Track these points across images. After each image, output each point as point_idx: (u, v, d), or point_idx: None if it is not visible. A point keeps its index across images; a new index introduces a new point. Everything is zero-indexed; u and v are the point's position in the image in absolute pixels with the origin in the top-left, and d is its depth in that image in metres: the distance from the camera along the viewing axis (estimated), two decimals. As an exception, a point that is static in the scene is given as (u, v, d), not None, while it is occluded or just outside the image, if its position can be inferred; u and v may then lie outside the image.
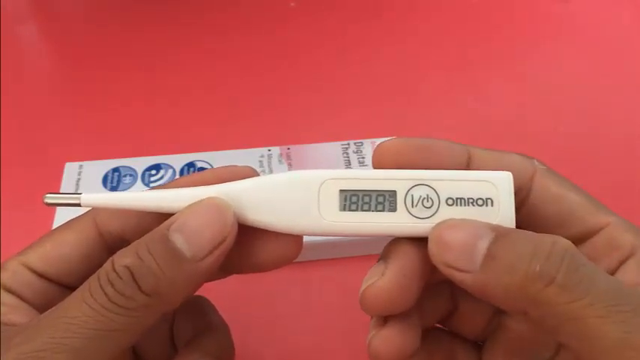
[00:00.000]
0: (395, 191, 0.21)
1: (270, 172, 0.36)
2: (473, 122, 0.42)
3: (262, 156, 0.37)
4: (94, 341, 0.18)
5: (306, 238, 0.33)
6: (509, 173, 0.21)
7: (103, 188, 0.35)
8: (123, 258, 0.19)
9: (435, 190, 0.21)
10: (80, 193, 0.21)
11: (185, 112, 0.43)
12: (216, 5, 0.52)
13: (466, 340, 0.25)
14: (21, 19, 0.52)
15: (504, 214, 0.20)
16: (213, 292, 0.33)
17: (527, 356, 0.24)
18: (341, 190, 0.21)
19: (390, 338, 0.21)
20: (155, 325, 0.20)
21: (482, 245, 0.19)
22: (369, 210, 0.21)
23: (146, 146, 0.39)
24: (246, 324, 0.31)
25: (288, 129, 0.42)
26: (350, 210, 0.21)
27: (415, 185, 0.21)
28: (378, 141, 0.38)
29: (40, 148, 0.41)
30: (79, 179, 0.36)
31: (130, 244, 0.20)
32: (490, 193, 0.21)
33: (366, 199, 0.21)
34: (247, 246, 0.21)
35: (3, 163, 0.39)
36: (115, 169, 0.36)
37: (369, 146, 0.37)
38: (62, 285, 0.22)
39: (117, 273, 0.19)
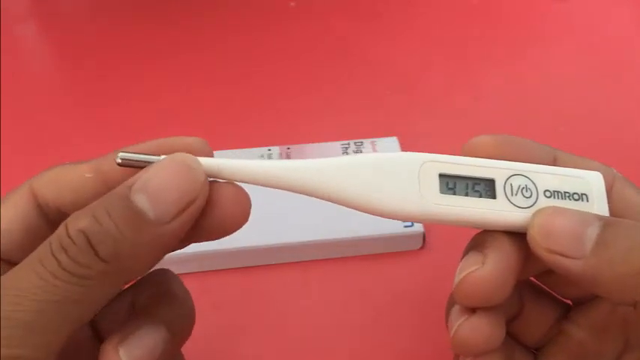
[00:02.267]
0: (493, 179, 0.21)
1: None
2: (473, 122, 0.42)
3: (262, 156, 0.37)
4: (47, 314, 0.16)
5: (304, 238, 0.33)
6: (600, 174, 0.21)
7: (103, 188, 0.35)
8: (77, 221, 0.17)
9: (532, 182, 0.21)
10: (159, 156, 0.19)
11: (185, 112, 0.43)
12: (216, 5, 0.52)
13: (522, 346, 0.25)
14: (21, 19, 0.52)
15: (599, 209, 0.21)
16: (213, 291, 0.33)
17: None
18: (440, 174, 0.21)
19: (480, 327, 0.21)
20: (112, 294, 0.18)
21: (593, 231, 0.19)
22: (467, 195, 0.20)
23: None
24: (245, 324, 0.31)
25: (288, 129, 0.42)
26: (450, 194, 0.20)
27: (513, 175, 0.21)
28: (378, 141, 0.38)
29: (40, 148, 0.41)
30: (78, 179, 0.36)
31: (67, 216, 0.18)
32: (585, 189, 0.21)
33: (464, 184, 0.21)
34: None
35: (3, 163, 0.39)
36: (115, 169, 0.36)
37: (369, 146, 0.37)
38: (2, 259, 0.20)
39: (71, 238, 0.17)
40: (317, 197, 0.20)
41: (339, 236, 0.33)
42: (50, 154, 0.40)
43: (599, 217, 0.19)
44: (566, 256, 0.19)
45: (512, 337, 0.25)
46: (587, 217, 0.19)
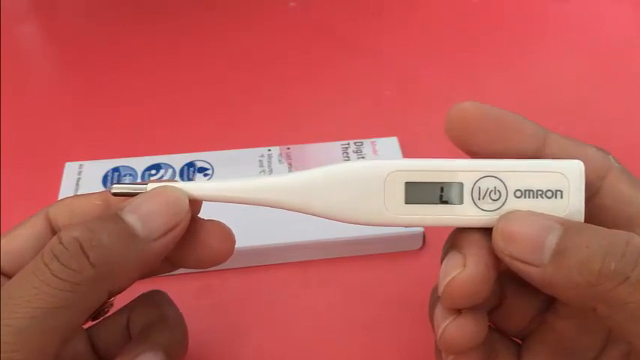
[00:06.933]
0: (462, 183, 0.21)
1: (270, 172, 0.36)
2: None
3: (262, 156, 0.37)
4: (39, 320, 0.17)
5: (304, 238, 0.33)
6: (581, 162, 0.20)
7: (103, 188, 0.35)
8: (71, 231, 0.19)
9: (502, 182, 0.21)
10: (146, 183, 0.21)
11: (185, 112, 0.43)
12: (216, 5, 0.52)
13: (505, 336, 0.25)
14: (21, 19, 0.52)
15: (573, 206, 0.20)
16: (213, 291, 0.33)
17: (569, 356, 0.24)
18: (407, 183, 0.21)
19: (466, 326, 0.21)
20: (99, 301, 0.19)
21: (552, 239, 0.19)
22: (434, 202, 0.21)
23: (146, 146, 0.39)
24: (246, 324, 0.31)
25: (288, 129, 0.42)
26: (416, 202, 0.21)
27: (483, 177, 0.21)
28: (378, 141, 0.38)
29: (40, 148, 0.41)
30: (79, 179, 0.36)
31: None
32: (560, 184, 0.20)
33: (431, 191, 0.21)
34: (190, 241, 0.22)
35: (3, 163, 0.39)
36: (115, 169, 0.36)
37: (369, 146, 0.37)
38: None
39: (63, 245, 0.18)
40: (289, 210, 0.22)
41: (339, 236, 0.33)
42: (50, 154, 0.40)
43: (562, 222, 0.19)
44: (526, 263, 0.19)
45: (494, 326, 0.25)
46: (547, 224, 0.19)
